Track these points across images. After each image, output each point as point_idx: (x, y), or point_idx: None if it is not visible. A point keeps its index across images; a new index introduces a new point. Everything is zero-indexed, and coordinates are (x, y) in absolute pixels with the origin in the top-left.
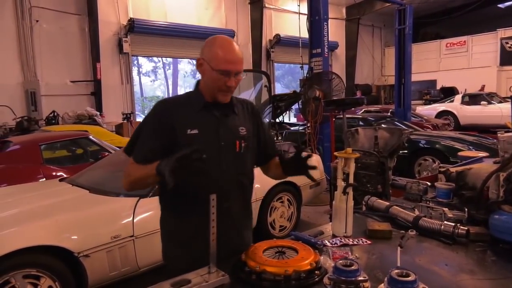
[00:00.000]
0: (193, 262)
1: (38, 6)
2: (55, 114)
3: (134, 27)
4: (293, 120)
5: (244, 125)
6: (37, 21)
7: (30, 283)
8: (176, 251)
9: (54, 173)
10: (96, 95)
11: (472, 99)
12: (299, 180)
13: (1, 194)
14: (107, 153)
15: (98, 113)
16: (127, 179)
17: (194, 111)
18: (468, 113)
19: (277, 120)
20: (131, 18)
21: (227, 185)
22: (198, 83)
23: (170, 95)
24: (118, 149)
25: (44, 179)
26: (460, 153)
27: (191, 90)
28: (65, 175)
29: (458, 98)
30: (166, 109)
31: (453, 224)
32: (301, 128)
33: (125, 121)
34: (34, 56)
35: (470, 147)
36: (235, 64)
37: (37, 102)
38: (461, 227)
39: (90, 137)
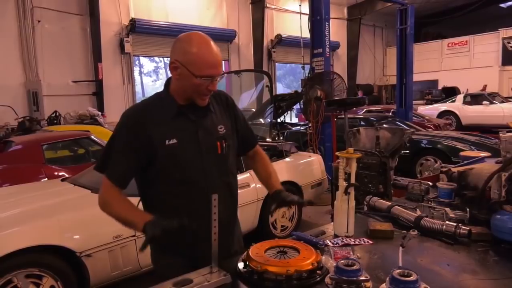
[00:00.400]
0: (182, 270)
1: (40, 7)
2: (57, 114)
3: (135, 27)
4: (295, 120)
5: (222, 123)
6: (39, 21)
7: (32, 282)
8: (165, 258)
9: (56, 173)
10: (98, 95)
11: (474, 99)
12: (301, 180)
13: (3, 194)
14: None
15: (99, 113)
16: (106, 208)
17: (169, 118)
18: (470, 113)
19: (279, 120)
20: (132, 18)
21: (215, 189)
22: (167, 84)
23: None
24: None
25: (46, 179)
26: (462, 153)
27: (159, 91)
28: (67, 175)
29: (459, 98)
30: (139, 119)
31: (455, 224)
32: (302, 128)
33: None
34: (36, 56)
35: (472, 147)
36: (217, 68)
37: (39, 102)
38: (463, 227)
39: (92, 137)
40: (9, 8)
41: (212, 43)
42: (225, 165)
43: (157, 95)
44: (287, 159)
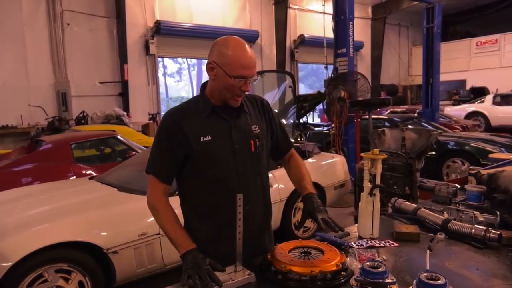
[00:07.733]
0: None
1: (69, 10)
2: (85, 114)
3: (160, 29)
4: (317, 120)
5: (257, 123)
6: (68, 24)
7: (62, 277)
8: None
9: (84, 172)
10: (124, 95)
11: (504, 99)
12: (324, 181)
13: (34, 191)
14: (134, 152)
15: (125, 113)
16: (153, 213)
17: (204, 117)
18: (500, 114)
19: (301, 121)
20: (157, 20)
21: (247, 188)
22: (204, 87)
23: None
24: (144, 148)
25: (75, 177)
26: (491, 155)
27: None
28: (94, 174)
29: (489, 98)
30: (176, 120)
31: (484, 227)
32: (325, 128)
33: (151, 121)
34: (65, 58)
35: (502, 149)
36: (251, 69)
37: (67, 103)
38: (493, 231)
39: (118, 136)
40: (41, 12)
41: (247, 46)
42: (258, 164)
43: (195, 97)
44: (310, 160)
